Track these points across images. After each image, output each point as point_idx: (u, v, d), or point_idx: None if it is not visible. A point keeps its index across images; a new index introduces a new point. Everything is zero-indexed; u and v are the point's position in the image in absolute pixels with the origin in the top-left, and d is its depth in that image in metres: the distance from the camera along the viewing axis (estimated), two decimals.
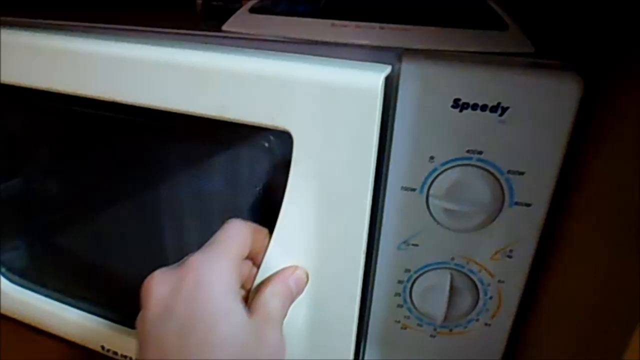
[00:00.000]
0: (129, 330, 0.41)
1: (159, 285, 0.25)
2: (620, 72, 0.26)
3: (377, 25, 0.29)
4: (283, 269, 0.29)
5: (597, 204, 0.27)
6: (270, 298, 0.27)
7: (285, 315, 0.28)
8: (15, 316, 0.46)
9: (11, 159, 0.40)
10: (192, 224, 0.36)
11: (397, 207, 0.31)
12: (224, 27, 0.31)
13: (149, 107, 0.30)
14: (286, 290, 0.28)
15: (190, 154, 0.34)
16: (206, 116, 0.29)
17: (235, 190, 0.34)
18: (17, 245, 0.44)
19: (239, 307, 0.26)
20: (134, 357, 0.41)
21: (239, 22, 0.31)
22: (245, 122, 0.28)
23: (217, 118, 0.28)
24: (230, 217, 0.30)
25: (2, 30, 0.33)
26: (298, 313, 0.31)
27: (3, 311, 0.46)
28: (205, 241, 0.28)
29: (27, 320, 0.46)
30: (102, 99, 0.31)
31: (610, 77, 0.27)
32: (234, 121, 0.28)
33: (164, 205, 0.36)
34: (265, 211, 0.30)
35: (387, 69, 0.27)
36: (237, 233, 0.28)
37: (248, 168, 0.32)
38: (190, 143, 0.34)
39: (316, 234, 0.29)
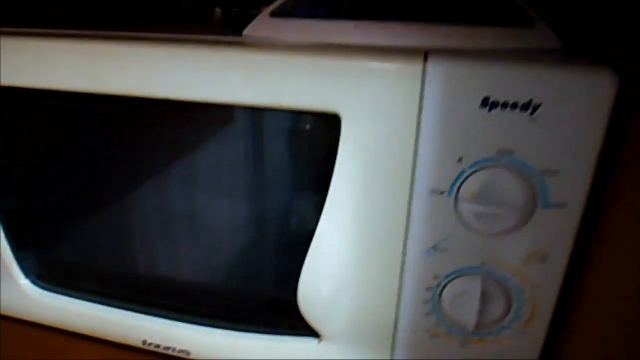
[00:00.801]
0: (169, 322, 0.41)
1: None
2: None
3: (401, 25, 0.29)
4: None
5: None
6: None
7: None
8: (49, 323, 0.46)
9: (24, 164, 0.40)
10: (236, 207, 0.36)
11: (425, 211, 0.30)
12: (246, 33, 0.31)
13: (205, 102, 0.31)
14: None
15: (230, 141, 0.34)
16: (259, 106, 0.30)
17: (281, 172, 0.34)
18: (43, 251, 0.44)
19: None
20: (177, 348, 0.41)
21: (260, 27, 0.31)
22: (296, 109, 0.29)
23: (270, 107, 0.30)
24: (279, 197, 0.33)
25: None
26: (344, 287, 0.33)
27: (38, 319, 0.46)
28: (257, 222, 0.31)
29: (62, 326, 0.46)
30: (152, 97, 0.32)
31: None
32: (285, 108, 0.30)
33: (202, 191, 0.36)
34: (313, 190, 0.32)
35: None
36: None
37: (295, 150, 0.33)
38: (228, 131, 0.34)
39: (363, 205, 0.31)
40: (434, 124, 0.28)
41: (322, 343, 0.37)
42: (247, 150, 0.33)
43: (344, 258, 0.33)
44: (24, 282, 0.45)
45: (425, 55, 0.27)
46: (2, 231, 0.42)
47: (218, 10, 0.41)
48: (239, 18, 0.35)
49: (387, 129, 0.28)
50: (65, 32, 0.34)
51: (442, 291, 0.32)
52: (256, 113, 0.32)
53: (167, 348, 0.42)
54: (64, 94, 0.34)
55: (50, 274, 0.45)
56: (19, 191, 0.41)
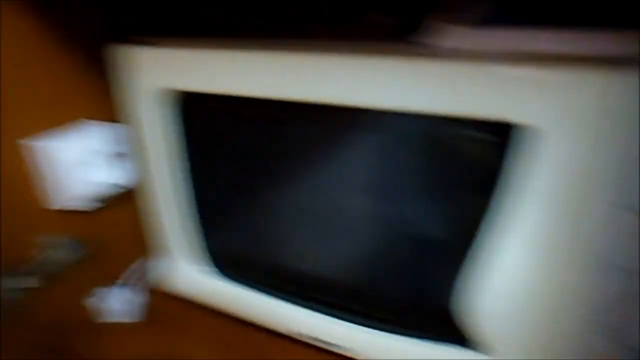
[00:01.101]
0: (324, 316, 0.43)
1: None
2: None
3: (590, 31, 0.27)
4: None
5: None
6: None
7: None
8: (227, 310, 0.49)
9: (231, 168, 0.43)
10: (396, 212, 0.37)
11: (619, 230, 0.29)
12: (443, 43, 0.31)
13: (380, 109, 0.32)
14: None
15: (400, 146, 0.34)
16: (440, 114, 0.30)
17: (447, 179, 0.34)
18: (226, 243, 0.47)
19: None
20: (328, 341, 0.43)
21: (457, 37, 0.31)
22: (477, 118, 0.29)
23: (453, 116, 0.30)
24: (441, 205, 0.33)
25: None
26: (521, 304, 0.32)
27: (218, 306, 0.50)
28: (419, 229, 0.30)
29: (236, 314, 0.49)
30: (341, 105, 0.33)
31: None
32: (466, 117, 0.29)
33: (369, 195, 0.37)
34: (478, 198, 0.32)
35: None
36: None
37: (465, 158, 0.32)
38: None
39: (548, 220, 0.30)
40: (633, 137, 0.26)
41: (483, 356, 0.37)
42: (419, 156, 0.34)
43: (524, 274, 0.32)
44: (207, 269, 0.49)
45: (622, 63, 0.25)
46: (193, 222, 0.46)
47: (375, 16, 0.41)
48: (407, 26, 0.35)
49: (580, 141, 0.28)
50: (262, 41, 0.35)
51: (623, 313, 0.31)
52: (429, 121, 0.32)
53: (318, 340, 0.44)
54: (253, 100, 0.36)
55: (228, 264, 0.48)
56: (212, 188, 0.44)
